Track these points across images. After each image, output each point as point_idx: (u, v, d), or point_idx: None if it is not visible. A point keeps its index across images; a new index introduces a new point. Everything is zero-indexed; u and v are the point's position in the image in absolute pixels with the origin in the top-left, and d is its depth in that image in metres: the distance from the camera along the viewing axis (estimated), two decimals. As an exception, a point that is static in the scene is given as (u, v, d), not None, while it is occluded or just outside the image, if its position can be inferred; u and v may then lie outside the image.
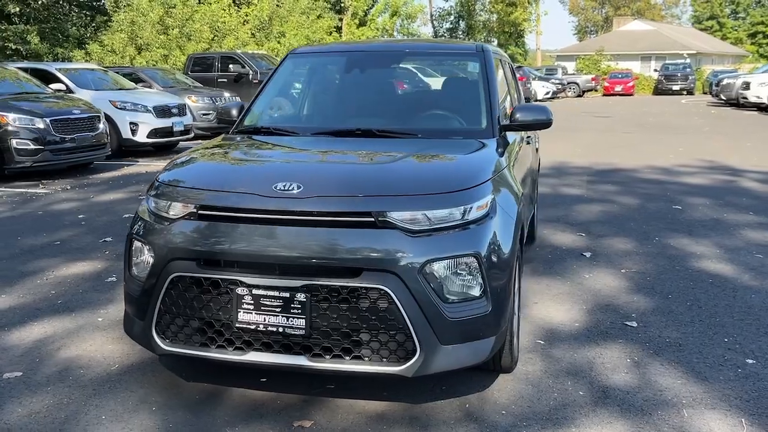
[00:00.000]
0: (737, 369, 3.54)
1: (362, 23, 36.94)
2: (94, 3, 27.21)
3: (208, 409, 3.10)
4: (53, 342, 3.88)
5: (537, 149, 5.65)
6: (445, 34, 50.72)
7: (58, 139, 9.96)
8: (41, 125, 9.77)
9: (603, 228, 6.64)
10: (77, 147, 10.29)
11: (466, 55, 4.27)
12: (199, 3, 25.89)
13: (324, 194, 2.93)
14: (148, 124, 12.46)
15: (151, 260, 3.08)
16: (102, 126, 10.78)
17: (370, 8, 37.68)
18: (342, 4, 37.98)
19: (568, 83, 39.95)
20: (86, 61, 22.75)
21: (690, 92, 40.79)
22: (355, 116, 4.16)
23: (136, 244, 3.18)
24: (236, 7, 28.65)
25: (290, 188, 2.95)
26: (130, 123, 12.37)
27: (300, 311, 2.85)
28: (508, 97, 4.81)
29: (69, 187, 9.36)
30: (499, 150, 3.72)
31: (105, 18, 25.06)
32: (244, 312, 2.91)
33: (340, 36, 34.37)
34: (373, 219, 2.85)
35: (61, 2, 24.88)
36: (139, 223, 3.22)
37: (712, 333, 4.02)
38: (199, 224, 3.02)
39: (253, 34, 28.82)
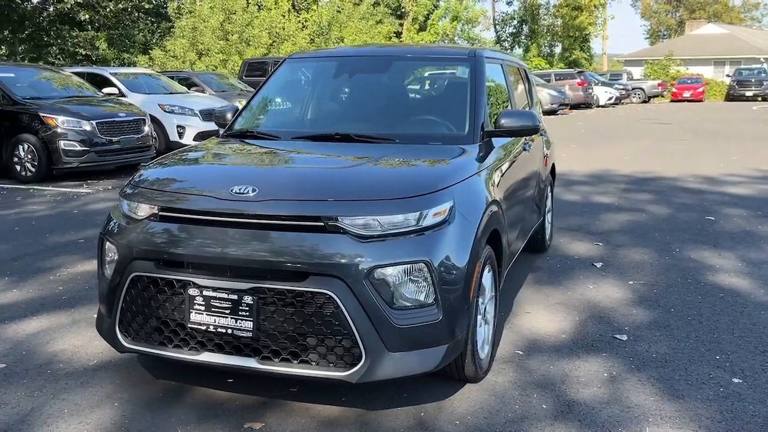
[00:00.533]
0: (720, 388, 3.39)
1: (422, 28, 36.97)
2: (161, 10, 28.12)
3: (167, 407, 3.16)
4: (45, 336, 4.03)
5: (546, 155, 5.53)
6: (508, 39, 50.25)
7: (104, 141, 10.34)
8: (88, 127, 10.16)
9: (623, 238, 6.45)
10: (122, 149, 10.65)
11: (457, 60, 4.23)
12: (259, 9, 26.43)
13: (277, 198, 2.96)
14: (194, 127, 12.80)
15: (116, 259, 3.17)
16: (147, 129, 11.13)
17: (431, 13, 37.63)
18: (403, 9, 38.10)
19: (633, 89, 38.95)
20: (149, 66, 23.55)
21: (765, 98, 39.08)
22: (338, 121, 4.18)
23: (106, 243, 3.28)
24: (295, 13, 29.12)
25: (246, 191, 2.99)
26: (178, 126, 12.74)
27: (248, 314, 2.88)
28: (508, 104, 4.73)
29: (110, 188, 9.70)
30: (480, 156, 3.68)
31: (169, 24, 25.87)
32: (195, 313, 2.96)
33: (400, 41, 34.46)
34: (322, 223, 2.86)
35: (129, 9, 25.81)
36: (111, 223, 3.32)
37: (704, 350, 3.86)
38: (160, 225, 3.09)
39: (312, 39, 29.24)
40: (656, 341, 3.98)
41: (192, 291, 2.96)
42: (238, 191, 3.00)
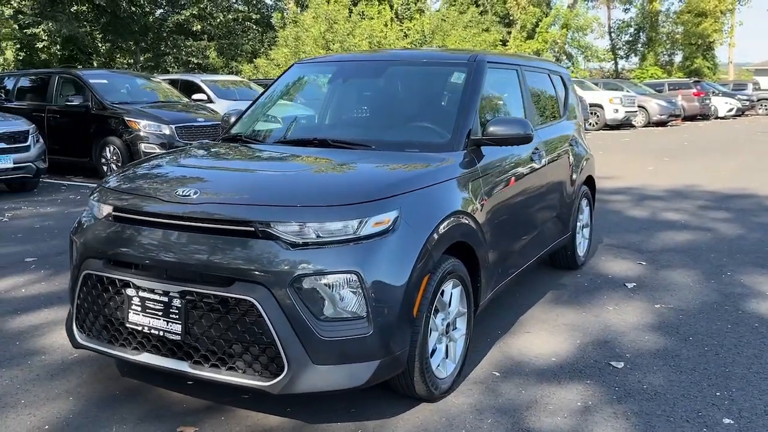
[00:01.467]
0: (703, 428, 3.05)
1: (530, 36, 36.22)
2: (268, 20, 29.15)
3: (117, 406, 3.21)
4: (43, 329, 4.21)
5: (576, 167, 5.21)
6: (623, 47, 48.26)
7: (182, 144, 10.78)
8: (167, 131, 10.64)
9: (673, 257, 5.98)
10: (200, 152, 11.06)
11: (455, 65, 4.06)
12: (361, 18, 26.82)
13: (214, 201, 2.94)
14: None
15: (76, 257, 3.26)
16: (225, 134, 11.50)
17: (540, 21, 36.80)
18: (511, 17, 37.53)
19: (759, 100, 36.32)
20: (253, 74, 24.45)
21: None
22: (322, 126, 4.12)
23: (72, 242, 3.38)
24: (398, 22, 29.33)
25: (188, 194, 2.99)
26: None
27: (177, 317, 2.88)
28: (520, 113, 4.50)
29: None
30: (460, 165, 3.51)
31: (274, 34, 26.77)
32: (133, 313, 2.99)
33: (504, 50, 33.94)
34: (253, 228, 2.81)
35: (239, 19, 26.93)
36: (78, 222, 3.41)
37: (706, 384, 3.49)
38: (112, 226, 3.14)
39: (415, 47, 29.35)
40: (655, 371, 3.64)
41: (130, 291, 2.99)
42: (181, 194, 3.01)
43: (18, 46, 24.45)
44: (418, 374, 3.07)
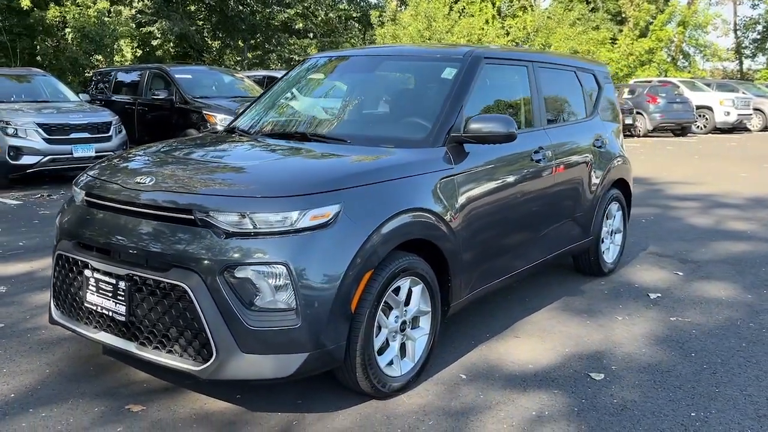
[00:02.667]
0: (658, 449, 2.85)
1: (643, 34, 34.56)
2: (369, 18, 29.52)
3: (83, 382, 3.38)
4: (57, 305, 4.49)
5: (600, 169, 4.95)
6: (750, 46, 45.11)
7: (256, 138, 11.14)
8: (242, 126, 11.01)
9: (717, 269, 5.59)
10: (273, 147, 11.39)
11: (448, 60, 3.96)
12: (461, 16, 26.63)
13: (162, 189, 3.04)
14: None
15: (55, 237, 3.47)
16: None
17: (655, 18, 35.06)
18: (623, 15, 36.06)
19: None
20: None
21: None
22: (308, 119, 4.14)
23: (56, 224, 3.59)
24: (500, 19, 28.88)
25: (144, 182, 3.11)
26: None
27: (123, 299, 3.00)
28: (526, 111, 4.35)
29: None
30: (433, 161, 3.45)
31: (374, 32, 27.09)
32: (90, 293, 3.14)
33: (613, 48, 32.62)
34: (192, 217, 2.89)
35: (341, 17, 27.45)
36: (62, 206, 3.62)
37: (686, 404, 3.25)
38: (83, 210, 3.32)
39: (517, 44, 28.82)
40: (634, 387, 3.43)
41: (87, 272, 3.14)
42: (138, 182, 3.13)
43: (135, 44, 26.03)
44: (360, 370, 3.05)
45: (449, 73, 3.89)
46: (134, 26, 24.80)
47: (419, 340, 3.39)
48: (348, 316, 2.94)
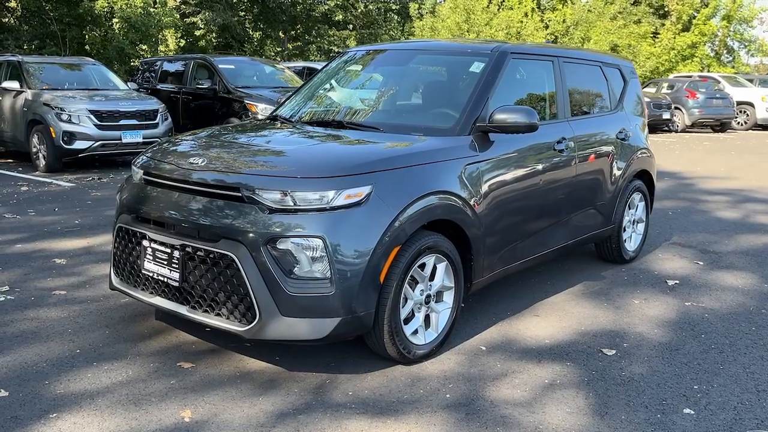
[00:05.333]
0: (659, 415, 3.11)
1: (686, 28, 34.14)
2: (408, 10, 29.75)
3: (139, 342, 3.76)
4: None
5: (622, 159, 5.17)
6: (798, 41, 44.05)
7: (295, 127, 11.51)
8: (282, 115, 11.40)
9: (737, 260, 5.76)
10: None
11: (477, 55, 4.24)
12: (499, 9, 26.69)
13: (214, 169, 3.38)
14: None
15: (116, 212, 3.85)
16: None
17: (698, 12, 34.59)
18: (666, 8, 35.62)
19: None
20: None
21: None
22: (345, 108, 4.46)
23: (116, 199, 3.98)
24: (539, 13, 28.84)
25: (196, 162, 3.47)
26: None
27: (177, 266, 3.36)
28: (550, 105, 4.61)
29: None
30: (460, 149, 3.74)
31: (412, 24, 27.32)
32: (147, 261, 3.51)
33: (655, 42, 32.29)
34: (240, 194, 3.23)
35: (380, 9, 27.73)
36: (121, 184, 4.00)
37: (689, 378, 3.50)
38: (142, 187, 3.69)
39: (555, 37, 28.76)
40: (643, 362, 3.68)
41: (145, 243, 3.51)
42: (191, 162, 3.48)
43: (179, 34, 26.67)
44: (387, 336, 3.36)
45: (477, 66, 4.17)
46: (178, 17, 25.44)
47: (442, 312, 3.69)
48: (377, 287, 3.26)
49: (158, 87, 13.49)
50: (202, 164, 3.44)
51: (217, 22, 25.13)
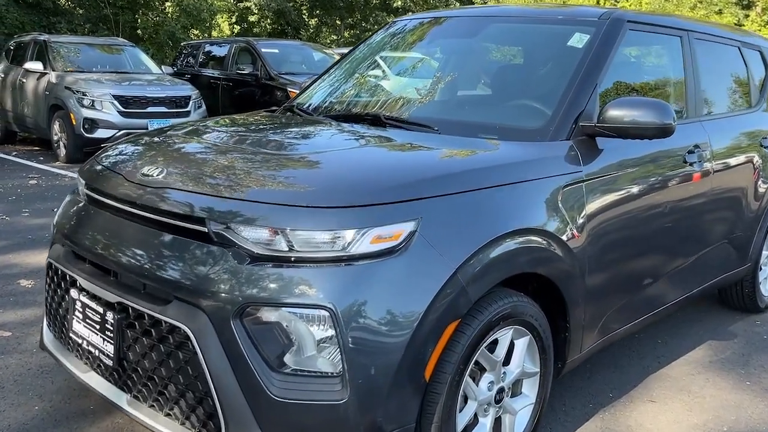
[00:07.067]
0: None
1: (773, 20, 31.62)
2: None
3: (78, 420, 2.60)
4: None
5: (763, 173, 3.77)
6: None
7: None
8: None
9: None
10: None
11: (578, 24, 2.92)
12: None
13: (172, 186, 2.18)
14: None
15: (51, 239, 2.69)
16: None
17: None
18: (750, -1, 33.10)
19: None
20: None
21: None
22: (386, 98, 3.19)
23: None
24: (613, 2, 26.93)
25: (151, 174, 2.27)
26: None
27: (111, 335, 2.18)
28: (678, 97, 3.26)
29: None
30: (554, 162, 2.45)
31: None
32: (76, 320, 2.34)
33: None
34: (205, 229, 2.02)
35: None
36: (66, 200, 2.82)
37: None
38: (83, 207, 2.52)
39: (629, 30, 26.81)
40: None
41: (74, 292, 2.34)
42: (144, 174, 2.29)
43: (233, 20, 25.83)
44: (428, 466, 2.11)
45: (579, 40, 2.85)
46: (232, 1, 24.57)
47: (521, 413, 2.42)
48: (420, 387, 2.00)
49: (199, 72, 12.48)
50: (159, 178, 2.23)
51: (271, 7, 24.08)
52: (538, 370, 2.44)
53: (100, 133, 8.72)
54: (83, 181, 2.56)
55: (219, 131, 2.87)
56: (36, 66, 9.54)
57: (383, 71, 3.45)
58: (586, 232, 2.50)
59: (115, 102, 8.76)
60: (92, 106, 8.72)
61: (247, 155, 2.41)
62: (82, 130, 8.67)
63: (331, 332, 1.89)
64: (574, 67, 2.74)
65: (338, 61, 3.72)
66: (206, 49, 12.90)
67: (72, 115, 8.68)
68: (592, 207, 2.53)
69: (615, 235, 2.64)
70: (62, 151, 9.07)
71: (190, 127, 2.95)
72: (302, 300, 1.89)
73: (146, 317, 2.06)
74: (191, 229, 2.05)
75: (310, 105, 3.31)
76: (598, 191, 2.57)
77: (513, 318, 2.24)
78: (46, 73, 9.43)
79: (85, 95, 8.73)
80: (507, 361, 2.33)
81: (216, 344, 1.92)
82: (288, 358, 1.92)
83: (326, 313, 1.88)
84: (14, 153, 9.71)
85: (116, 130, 8.72)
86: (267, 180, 2.15)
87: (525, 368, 2.39)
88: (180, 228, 2.08)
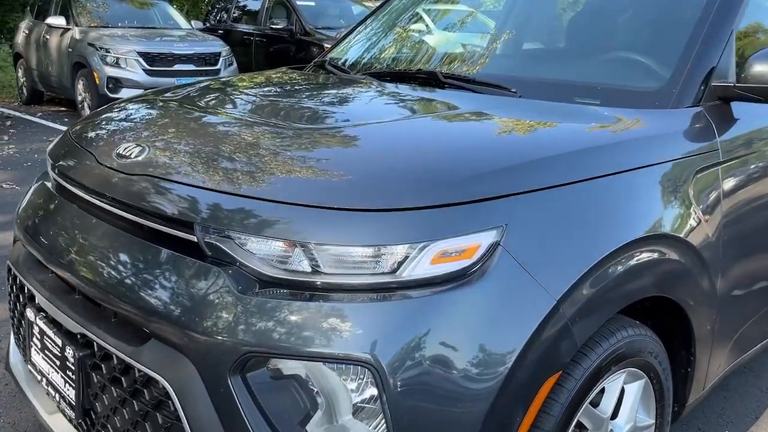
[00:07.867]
0: None
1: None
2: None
3: None
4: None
5: None
6: None
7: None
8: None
9: None
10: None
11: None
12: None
13: (153, 174, 1.56)
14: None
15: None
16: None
17: None
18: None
19: None
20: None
21: None
22: (445, 52, 2.51)
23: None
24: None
25: (128, 155, 1.65)
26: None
27: (72, 375, 1.59)
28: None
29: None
30: (680, 138, 1.78)
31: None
32: (34, 349, 1.77)
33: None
34: (195, 237, 1.40)
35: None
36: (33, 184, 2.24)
37: None
38: (51, 196, 1.92)
39: None
40: None
41: (30, 313, 1.76)
42: (121, 154, 1.67)
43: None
44: None
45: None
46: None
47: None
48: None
49: (232, 27, 11.82)
50: (138, 159, 1.62)
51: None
52: (653, 421, 1.79)
53: (124, 93, 8.15)
54: (50, 162, 1.96)
55: (228, 95, 2.23)
56: (59, 21, 9.00)
57: (438, 17, 2.75)
58: (721, 232, 1.82)
59: (141, 59, 8.20)
60: (116, 64, 8.17)
61: (258, 130, 1.76)
62: (105, 89, 8.15)
63: (372, 393, 1.27)
64: (700, 10, 2.02)
65: (374, 12, 3.04)
66: (239, 3, 12.21)
67: (95, 73, 8.16)
68: (729, 198, 1.85)
69: (759, 238, 1.96)
70: (87, 112, 8.56)
71: (192, 90, 2.32)
72: (329, 350, 1.27)
73: (116, 360, 1.47)
74: (176, 237, 1.44)
75: (345, 61, 2.64)
76: (737, 176, 1.88)
77: (627, 360, 1.60)
78: (69, 29, 8.89)
79: (109, 52, 8.18)
80: (616, 412, 1.69)
81: (207, 408, 1.33)
82: (312, 428, 1.31)
83: (366, 370, 1.26)
84: (39, 114, 9.26)
85: (141, 90, 8.16)
86: (281, 167, 1.51)
87: (637, 421, 1.74)
88: (161, 234, 1.47)
